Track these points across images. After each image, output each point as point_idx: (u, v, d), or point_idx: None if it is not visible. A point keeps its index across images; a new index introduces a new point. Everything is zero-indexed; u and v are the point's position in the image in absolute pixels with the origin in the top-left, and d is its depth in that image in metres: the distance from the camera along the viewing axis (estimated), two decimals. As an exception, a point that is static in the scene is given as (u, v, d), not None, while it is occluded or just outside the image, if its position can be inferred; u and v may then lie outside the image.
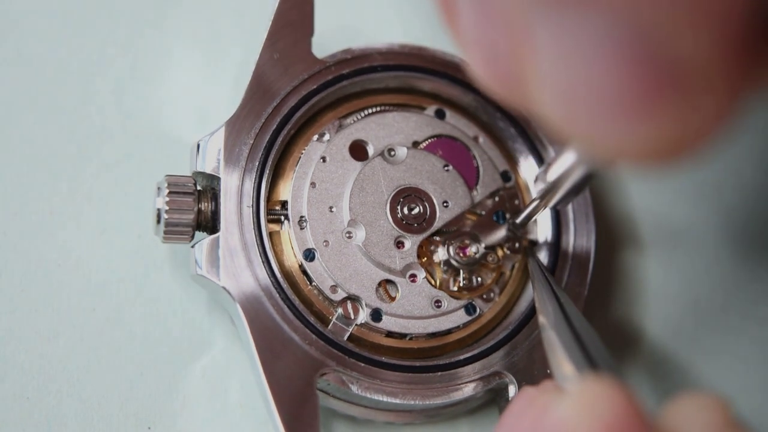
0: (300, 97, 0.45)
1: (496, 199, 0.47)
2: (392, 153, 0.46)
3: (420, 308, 0.44)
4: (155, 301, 0.46)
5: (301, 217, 0.44)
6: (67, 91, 0.48)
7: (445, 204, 0.45)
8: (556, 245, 0.46)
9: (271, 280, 0.42)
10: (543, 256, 0.46)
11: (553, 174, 0.38)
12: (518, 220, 0.44)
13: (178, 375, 0.45)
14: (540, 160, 0.47)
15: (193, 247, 0.42)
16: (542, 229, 0.47)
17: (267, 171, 0.43)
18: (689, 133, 0.24)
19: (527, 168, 0.47)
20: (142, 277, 0.46)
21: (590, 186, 0.46)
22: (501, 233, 0.46)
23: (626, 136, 0.24)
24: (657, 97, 0.23)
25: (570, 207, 0.46)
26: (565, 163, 0.37)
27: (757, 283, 0.52)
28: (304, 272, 0.43)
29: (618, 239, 0.51)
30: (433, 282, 0.44)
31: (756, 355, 0.50)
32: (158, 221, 0.42)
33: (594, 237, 0.46)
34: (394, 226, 0.44)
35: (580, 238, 0.46)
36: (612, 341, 0.49)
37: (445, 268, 0.45)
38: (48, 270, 0.45)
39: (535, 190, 0.40)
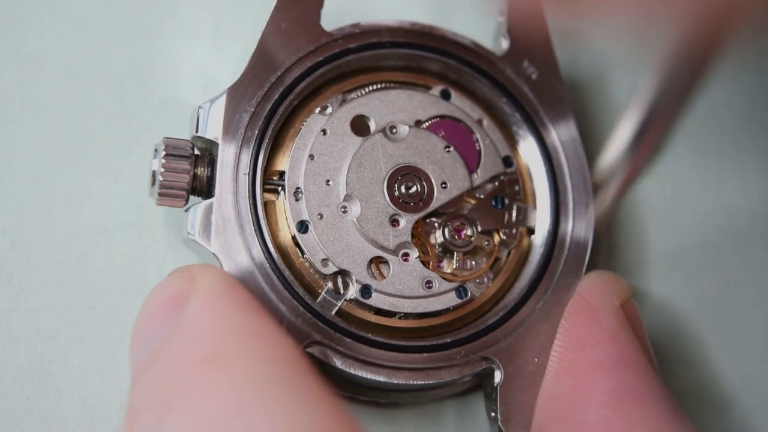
0: (304, 69, 0.44)
1: (496, 183, 0.46)
2: (394, 130, 0.45)
3: (410, 288, 0.43)
4: None
5: (297, 188, 0.43)
6: (67, 89, 0.48)
7: (443, 185, 0.45)
8: (553, 234, 0.45)
9: (263, 250, 0.41)
10: (539, 245, 0.46)
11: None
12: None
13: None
14: (543, 147, 0.46)
15: (186, 211, 0.42)
16: (541, 217, 0.46)
17: (266, 140, 0.43)
18: None
19: (529, 154, 0.47)
20: (142, 276, 0.46)
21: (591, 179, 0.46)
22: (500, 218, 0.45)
23: None
24: None
25: (570, 197, 0.46)
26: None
27: (760, 281, 0.51)
28: (297, 244, 0.43)
29: (619, 234, 0.51)
30: (425, 262, 0.44)
31: (760, 355, 0.50)
32: (153, 183, 0.42)
33: (592, 228, 0.46)
34: (390, 204, 0.44)
35: (578, 228, 0.45)
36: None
37: (440, 249, 0.44)
38: (47, 268, 0.45)
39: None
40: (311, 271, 0.43)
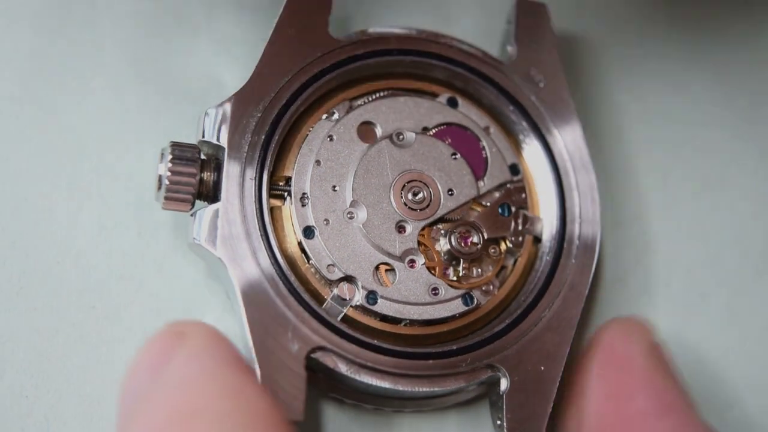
0: (311, 75, 0.44)
1: (503, 191, 0.46)
2: (400, 137, 0.45)
3: (416, 294, 0.43)
4: (155, 299, 0.45)
5: (304, 194, 0.43)
6: (67, 88, 0.48)
7: (450, 192, 0.45)
8: (560, 242, 0.45)
9: (268, 255, 0.41)
10: (546, 253, 0.45)
11: None
12: None
13: None
14: (550, 155, 0.46)
15: (192, 215, 0.42)
16: (547, 225, 0.46)
17: (272, 145, 0.43)
18: None
19: (536, 162, 0.47)
20: (142, 275, 0.45)
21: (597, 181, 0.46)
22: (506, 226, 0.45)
23: None
24: None
25: (577, 205, 0.46)
26: None
27: (761, 280, 0.51)
28: (303, 250, 0.43)
29: (625, 234, 0.51)
30: (431, 269, 0.44)
31: (762, 354, 0.49)
32: (159, 187, 0.42)
33: (599, 236, 0.46)
34: (397, 210, 0.44)
35: (585, 237, 0.45)
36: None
37: (446, 256, 0.44)
38: (47, 268, 0.45)
39: None
40: (317, 277, 0.43)
